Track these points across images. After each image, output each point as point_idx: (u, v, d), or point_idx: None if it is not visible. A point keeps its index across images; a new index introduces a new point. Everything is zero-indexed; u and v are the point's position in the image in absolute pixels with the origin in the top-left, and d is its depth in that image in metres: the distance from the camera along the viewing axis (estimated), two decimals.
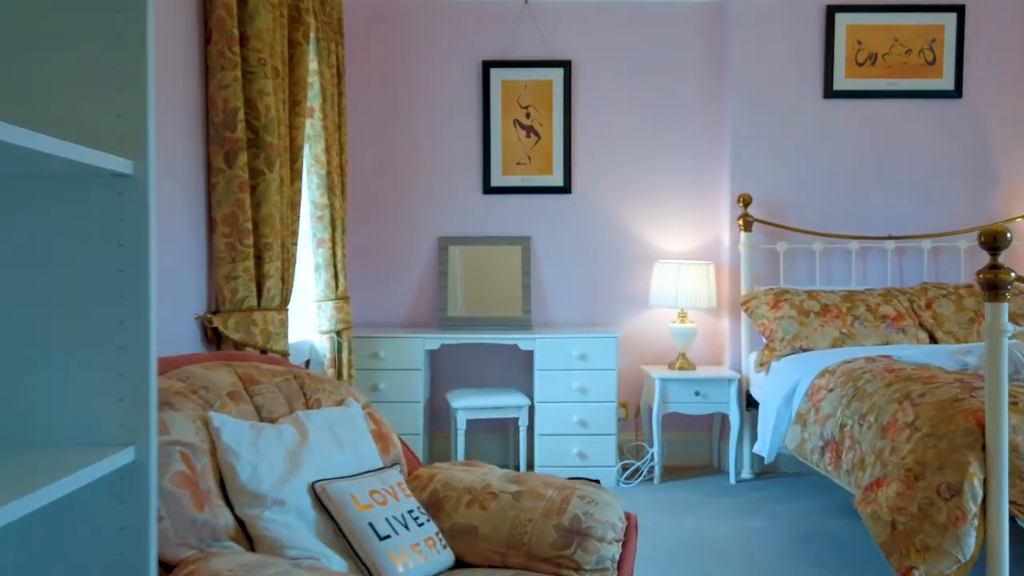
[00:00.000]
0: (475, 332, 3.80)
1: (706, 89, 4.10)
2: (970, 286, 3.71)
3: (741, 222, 3.88)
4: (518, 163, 4.13)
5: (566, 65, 4.09)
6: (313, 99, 3.12)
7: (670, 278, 3.87)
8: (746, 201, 3.86)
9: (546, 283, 4.14)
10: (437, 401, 4.04)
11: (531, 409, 3.78)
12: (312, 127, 3.13)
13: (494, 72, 4.10)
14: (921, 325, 3.59)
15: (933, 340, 3.55)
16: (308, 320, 3.32)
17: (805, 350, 3.49)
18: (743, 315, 3.89)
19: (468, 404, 3.66)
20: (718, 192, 4.12)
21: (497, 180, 4.13)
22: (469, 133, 4.12)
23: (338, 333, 3.32)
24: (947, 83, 3.98)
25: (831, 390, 2.76)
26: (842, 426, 2.58)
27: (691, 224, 4.13)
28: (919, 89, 3.98)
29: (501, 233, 4.13)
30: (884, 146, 3.99)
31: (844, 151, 3.99)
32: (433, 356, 4.07)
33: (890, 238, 3.93)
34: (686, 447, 4.10)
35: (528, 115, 4.13)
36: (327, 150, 3.19)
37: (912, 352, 2.86)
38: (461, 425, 3.67)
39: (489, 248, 4.10)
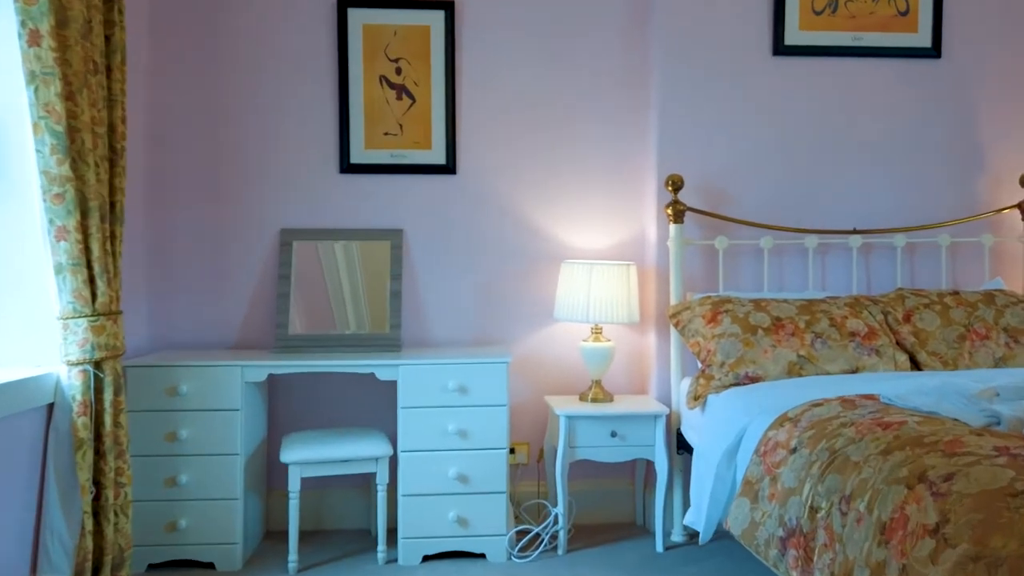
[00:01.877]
0: (322, 356, 2.82)
1: (628, 44, 3.21)
2: (956, 293, 2.91)
3: (670, 211, 3.01)
4: (386, 133, 3.17)
5: (448, 7, 3.14)
6: (39, 19, 2.09)
7: (580, 283, 2.96)
8: (676, 185, 2.99)
9: (422, 290, 3.19)
10: (277, 450, 3.03)
11: (394, 460, 2.82)
12: (39, 60, 2.10)
13: (353, 13, 3.12)
14: (899, 344, 2.77)
15: (915, 364, 2.73)
16: (54, 345, 2.29)
17: (753, 380, 2.62)
18: (672, 331, 3.01)
19: (304, 456, 2.68)
20: (642, 174, 3.24)
21: (358, 155, 3.16)
22: (321, 93, 3.14)
23: (98, 364, 2.30)
24: (923, 39, 3.18)
25: (794, 450, 1.88)
26: (813, 510, 1.70)
27: (608, 214, 3.24)
28: (889, 46, 3.17)
29: (364, 225, 3.17)
30: (847, 117, 3.17)
31: (798, 122, 3.16)
32: (270, 389, 3.08)
33: (856, 232, 3.10)
34: (602, 499, 3.20)
35: (399, 71, 3.17)
36: (69, 97, 2.17)
37: (905, 390, 2.01)
38: (295, 485, 2.68)
39: (347, 244, 3.13)
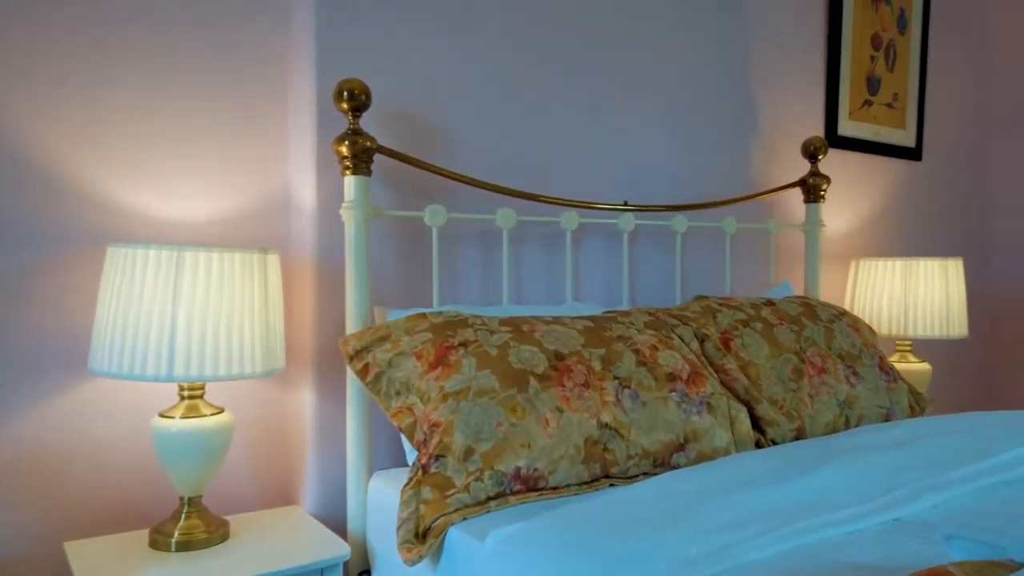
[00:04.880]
0: None
1: None
2: (771, 303, 1.95)
3: (345, 148, 1.52)
4: None
5: None
6: None
7: (154, 294, 1.31)
8: (357, 100, 1.52)
9: None
10: None
11: None
12: None
13: None
14: (729, 388, 1.69)
15: (756, 424, 1.68)
16: None
17: (529, 484, 1.30)
18: (351, 382, 1.53)
19: None
20: (285, 80, 1.69)
21: None
22: None
23: None
24: None
25: None
26: None
27: (219, 156, 1.62)
28: None
29: None
30: (614, 22, 2.04)
31: (548, 23, 1.93)
32: None
33: (628, 208, 1.98)
34: None
35: None
36: None
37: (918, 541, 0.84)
38: None
39: None
